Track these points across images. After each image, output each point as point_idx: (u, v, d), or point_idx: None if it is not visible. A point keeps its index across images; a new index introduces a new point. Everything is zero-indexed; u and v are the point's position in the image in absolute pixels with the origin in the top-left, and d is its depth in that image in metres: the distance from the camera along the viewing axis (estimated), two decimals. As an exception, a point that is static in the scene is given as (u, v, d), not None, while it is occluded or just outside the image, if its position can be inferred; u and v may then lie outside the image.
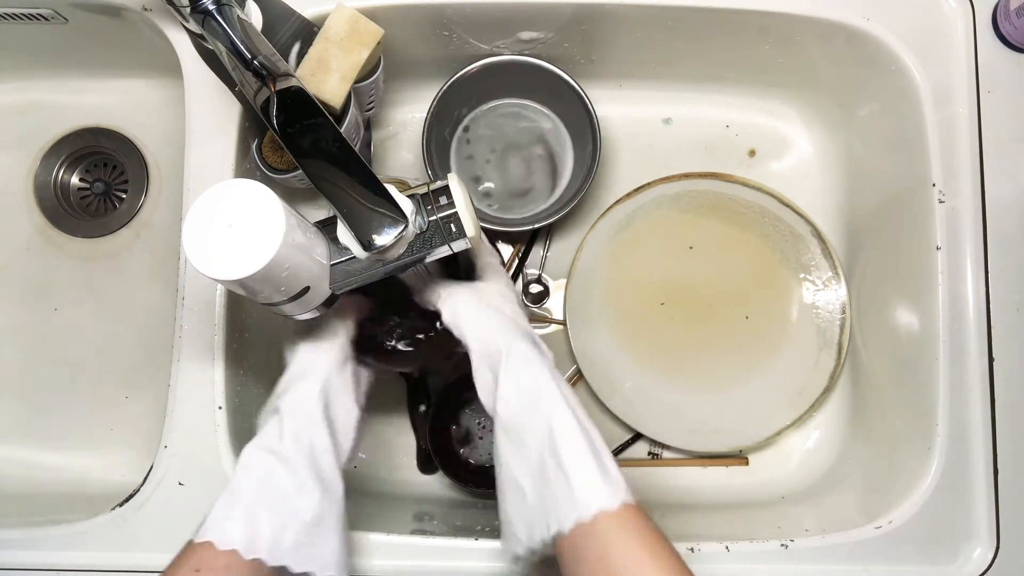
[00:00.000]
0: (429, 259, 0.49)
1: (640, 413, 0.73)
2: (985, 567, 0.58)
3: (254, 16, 0.56)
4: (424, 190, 0.48)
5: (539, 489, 0.45)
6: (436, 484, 0.75)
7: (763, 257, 0.74)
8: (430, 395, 0.75)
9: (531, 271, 0.78)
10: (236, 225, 0.41)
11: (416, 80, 0.76)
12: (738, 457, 0.75)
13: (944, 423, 0.60)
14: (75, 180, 0.81)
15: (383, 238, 0.45)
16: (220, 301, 0.62)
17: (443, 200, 0.48)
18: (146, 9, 0.64)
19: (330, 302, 0.48)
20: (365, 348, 0.54)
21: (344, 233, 0.47)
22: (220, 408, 0.60)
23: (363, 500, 0.70)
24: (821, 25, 0.65)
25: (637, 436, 0.75)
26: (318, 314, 0.49)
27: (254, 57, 0.48)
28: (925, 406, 0.61)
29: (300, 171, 0.50)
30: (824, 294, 0.73)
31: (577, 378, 0.76)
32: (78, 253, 0.80)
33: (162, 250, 0.79)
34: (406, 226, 0.45)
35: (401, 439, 0.76)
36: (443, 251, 0.48)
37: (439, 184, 0.48)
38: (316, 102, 0.48)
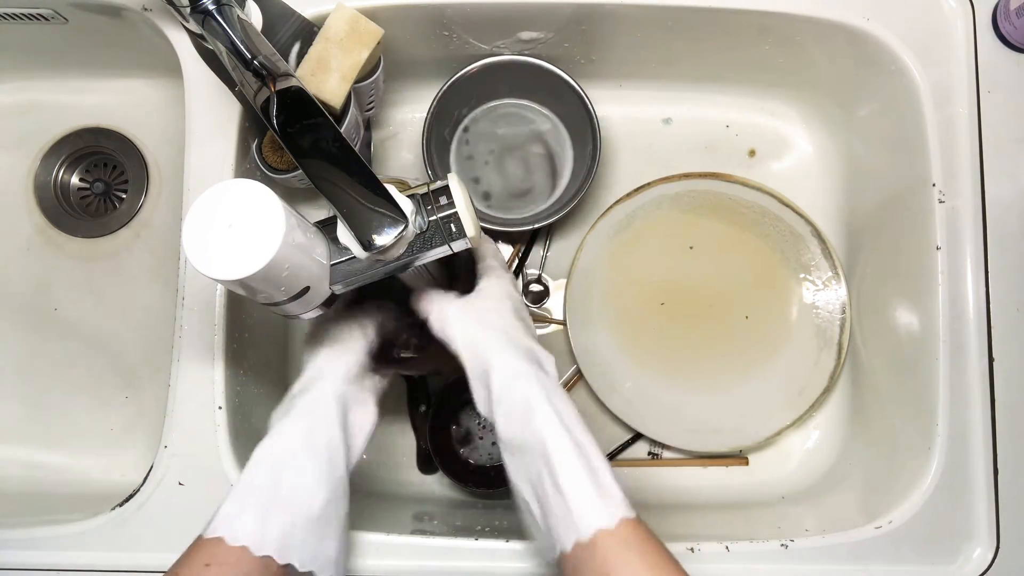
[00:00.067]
0: (429, 259, 0.49)
1: (640, 413, 0.73)
2: (985, 567, 0.58)
3: (254, 16, 0.56)
4: (424, 190, 0.48)
5: (542, 507, 0.45)
6: (436, 484, 0.75)
7: (763, 257, 0.74)
8: (430, 395, 0.75)
9: (531, 271, 0.78)
10: (236, 225, 0.41)
11: (416, 80, 0.76)
12: (738, 457, 0.75)
13: (944, 423, 0.60)
14: (75, 180, 0.81)
15: (383, 238, 0.45)
16: (220, 301, 0.62)
17: (443, 200, 0.48)
18: (146, 9, 0.64)
19: (330, 302, 0.48)
20: (379, 355, 0.54)
21: (344, 233, 0.47)
22: (220, 408, 0.60)
23: (363, 500, 0.70)
24: (821, 25, 0.65)
25: (637, 436, 0.75)
26: (319, 313, 0.49)
27: (254, 57, 0.48)
28: (925, 406, 0.61)
29: (300, 171, 0.50)
30: (824, 294, 0.73)
31: (577, 378, 0.76)
32: (78, 253, 0.80)
33: (162, 250, 0.79)
34: (406, 226, 0.45)
35: (401, 439, 0.76)
36: (443, 251, 0.48)
37: (439, 184, 0.48)
38: (316, 102, 0.48)
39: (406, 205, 0.46)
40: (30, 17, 0.69)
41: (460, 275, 0.57)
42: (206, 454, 0.60)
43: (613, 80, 0.77)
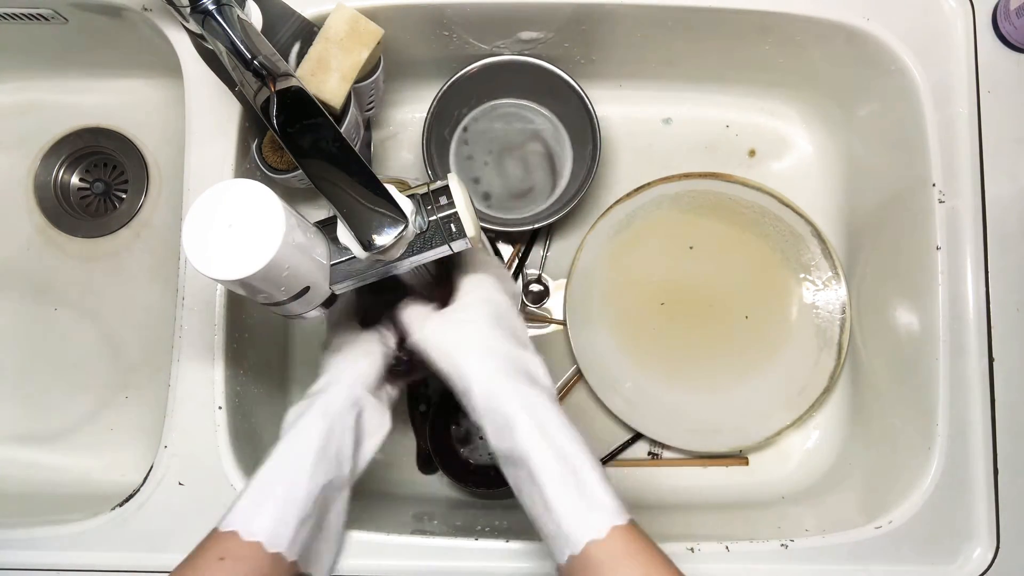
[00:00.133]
0: (429, 259, 0.49)
1: (640, 413, 0.73)
2: (985, 567, 0.58)
3: (254, 16, 0.56)
4: (424, 190, 0.48)
5: (536, 521, 0.46)
6: (436, 484, 0.75)
7: (763, 257, 0.74)
8: (430, 395, 0.75)
9: (531, 271, 0.78)
10: (236, 225, 0.41)
11: (416, 80, 0.76)
12: (738, 457, 0.75)
13: (944, 423, 0.60)
14: (75, 180, 0.81)
15: (383, 238, 0.45)
16: (220, 301, 0.62)
17: (443, 200, 0.48)
18: (146, 9, 0.64)
19: (330, 302, 0.48)
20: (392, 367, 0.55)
21: (344, 233, 0.47)
22: (220, 408, 0.60)
23: (363, 500, 0.69)
24: (821, 25, 0.65)
25: (637, 436, 0.75)
26: (319, 312, 0.49)
27: (254, 57, 0.48)
28: (925, 406, 0.61)
29: (300, 171, 0.50)
30: (824, 294, 0.73)
31: (577, 378, 0.76)
32: (78, 253, 0.80)
33: (162, 250, 0.79)
34: (406, 226, 0.45)
35: (401, 439, 0.76)
36: (443, 251, 0.48)
37: (439, 184, 0.48)
38: (316, 102, 0.48)
39: (406, 205, 0.46)
40: (30, 17, 0.69)
41: (441, 281, 0.56)
42: (206, 454, 0.60)
43: (613, 80, 0.77)
